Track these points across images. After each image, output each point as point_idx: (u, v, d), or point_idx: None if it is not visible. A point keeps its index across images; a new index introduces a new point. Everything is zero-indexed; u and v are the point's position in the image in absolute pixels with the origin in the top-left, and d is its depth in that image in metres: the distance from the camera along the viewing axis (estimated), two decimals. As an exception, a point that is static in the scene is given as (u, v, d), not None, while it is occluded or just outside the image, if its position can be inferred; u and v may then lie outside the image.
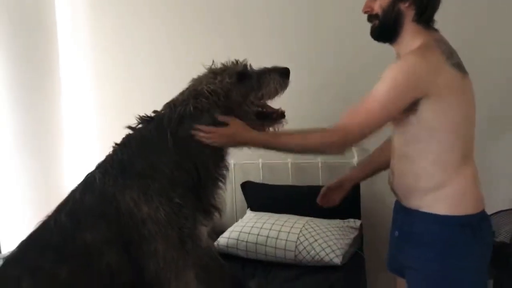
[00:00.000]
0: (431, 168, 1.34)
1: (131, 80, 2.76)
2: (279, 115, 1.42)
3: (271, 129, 1.41)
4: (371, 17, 1.42)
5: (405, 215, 1.44)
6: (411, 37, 1.37)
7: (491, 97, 2.11)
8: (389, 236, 1.61)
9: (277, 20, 2.52)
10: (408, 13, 1.36)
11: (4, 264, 1.34)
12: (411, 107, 1.30)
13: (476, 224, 1.34)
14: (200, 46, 2.59)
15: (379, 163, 1.63)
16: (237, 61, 1.41)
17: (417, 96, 1.28)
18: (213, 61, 1.43)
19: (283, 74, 1.38)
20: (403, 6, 1.36)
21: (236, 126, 1.34)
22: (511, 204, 2.08)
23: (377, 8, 1.39)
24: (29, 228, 1.39)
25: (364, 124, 1.31)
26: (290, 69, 1.40)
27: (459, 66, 1.31)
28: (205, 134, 1.32)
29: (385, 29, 1.39)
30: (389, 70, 1.30)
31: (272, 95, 1.39)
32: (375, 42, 1.44)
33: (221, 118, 1.32)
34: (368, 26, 1.44)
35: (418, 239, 1.38)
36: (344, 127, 1.33)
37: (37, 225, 1.36)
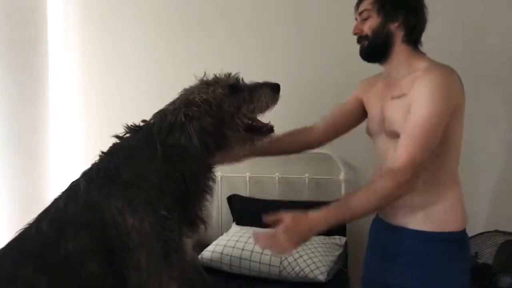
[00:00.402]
0: (425, 185, 1.35)
1: (118, 88, 2.75)
2: (269, 130, 1.41)
3: (260, 142, 1.41)
4: (360, 39, 1.45)
5: (390, 233, 1.44)
6: (404, 57, 1.40)
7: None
8: (366, 257, 1.62)
9: (268, 28, 2.55)
10: (398, 33, 1.40)
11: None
12: None
13: (461, 240, 1.37)
14: (188, 55, 2.60)
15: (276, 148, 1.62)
16: (229, 74, 1.41)
17: (453, 109, 1.30)
18: (205, 73, 1.43)
19: (274, 89, 1.38)
20: (392, 27, 1.39)
21: (296, 219, 1.24)
22: (494, 225, 2.11)
23: (366, 29, 1.42)
24: (7, 238, 1.35)
25: (426, 149, 1.26)
26: (280, 85, 1.40)
27: (461, 85, 1.36)
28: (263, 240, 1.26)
29: (375, 50, 1.43)
30: (423, 89, 1.28)
31: (263, 109, 1.38)
32: None
33: (269, 219, 1.27)
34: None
35: (406, 256, 1.38)
36: (410, 161, 1.25)
37: (17, 234, 1.33)
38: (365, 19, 1.42)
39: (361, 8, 1.44)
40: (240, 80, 1.42)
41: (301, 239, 1.24)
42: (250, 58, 2.54)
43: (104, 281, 1.24)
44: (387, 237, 1.45)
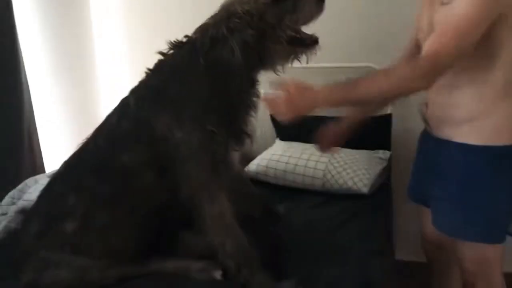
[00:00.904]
0: (471, 98, 1.30)
1: (162, 5, 2.70)
2: (313, 42, 1.35)
3: (304, 55, 1.36)
4: None
5: (435, 145, 1.43)
6: None
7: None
8: (413, 166, 1.64)
9: None
10: None
11: (50, 181, 1.44)
12: None
13: (509, 155, 1.31)
14: None
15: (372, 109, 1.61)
16: None
17: (497, 13, 1.18)
18: None
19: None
20: None
21: (300, 90, 1.21)
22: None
23: None
24: (69, 148, 1.46)
25: (454, 46, 1.17)
26: None
27: None
28: (267, 102, 1.24)
29: None
30: None
31: (307, 20, 1.32)
32: None
33: (274, 85, 1.23)
34: None
35: (449, 169, 1.38)
36: (433, 54, 1.17)
37: (78, 147, 1.43)
38: None
39: None
40: None
41: (302, 111, 1.24)
42: None
43: (158, 190, 1.34)
44: (433, 149, 1.45)
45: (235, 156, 1.40)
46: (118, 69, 2.83)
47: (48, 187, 1.43)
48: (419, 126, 2.39)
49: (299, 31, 1.35)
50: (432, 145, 1.46)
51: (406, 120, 2.42)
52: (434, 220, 1.46)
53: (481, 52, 1.25)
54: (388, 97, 1.30)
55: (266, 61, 1.34)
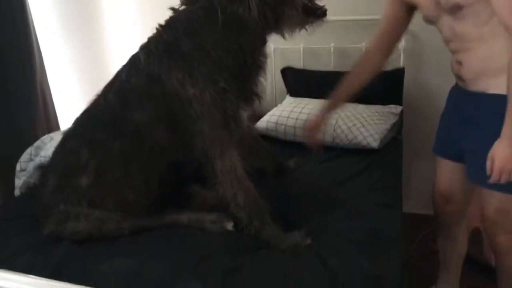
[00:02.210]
0: (504, 45, 1.26)
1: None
2: (322, 13, 1.37)
3: (311, 25, 1.37)
4: None
5: (470, 99, 1.42)
6: None
7: None
8: (442, 122, 1.64)
9: None
10: None
11: (64, 138, 1.47)
12: None
13: None
14: None
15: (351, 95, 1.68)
16: None
17: None
18: None
19: None
20: None
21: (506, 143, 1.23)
22: None
23: None
24: (82, 105, 1.48)
25: None
26: None
27: None
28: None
29: None
30: None
31: None
32: None
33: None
34: None
35: (484, 122, 1.38)
36: None
37: (89, 103, 1.45)
38: None
39: None
40: None
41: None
42: None
43: (171, 146, 1.37)
44: (469, 103, 1.44)
45: (245, 114, 1.42)
46: (128, 25, 2.80)
47: (61, 144, 1.46)
48: (431, 81, 2.37)
49: (312, 1, 1.36)
50: (467, 99, 1.44)
51: (418, 75, 2.39)
52: (468, 172, 1.48)
53: (487, 2, 1.24)
54: None
55: (279, 24, 1.34)
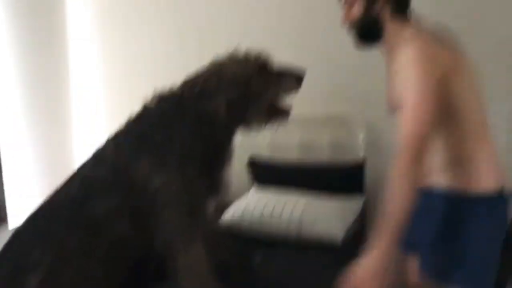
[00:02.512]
0: (448, 150, 1.35)
1: (139, 54, 2.75)
2: (285, 112, 1.47)
3: (275, 123, 1.46)
4: (350, 27, 1.43)
5: (422, 193, 1.45)
6: (396, 32, 1.38)
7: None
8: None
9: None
10: (385, 11, 1.37)
11: (15, 233, 1.38)
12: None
13: (491, 202, 1.34)
14: (208, 24, 2.56)
15: None
16: (260, 53, 1.44)
17: (438, 76, 1.27)
18: (236, 45, 1.46)
19: (300, 77, 1.43)
20: (377, 8, 1.37)
21: (369, 263, 1.25)
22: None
23: (353, 17, 1.40)
24: (38, 202, 1.42)
25: (419, 122, 1.25)
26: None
27: (449, 47, 1.33)
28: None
29: (367, 35, 1.42)
30: (404, 66, 1.28)
31: (285, 94, 1.45)
32: None
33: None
34: None
35: (431, 215, 1.40)
36: (407, 140, 1.25)
37: (48, 196, 1.39)
38: (350, 6, 1.40)
39: None
40: (270, 61, 1.46)
41: (379, 278, 1.23)
42: (271, 29, 2.48)
43: (133, 239, 1.31)
44: (419, 196, 1.47)
45: (211, 205, 1.41)
46: (94, 116, 2.82)
47: (14, 237, 1.36)
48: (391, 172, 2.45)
49: (277, 101, 1.46)
50: (420, 193, 1.48)
51: (378, 166, 2.47)
52: (421, 266, 1.47)
53: (444, 108, 1.31)
54: (412, 189, 1.27)
55: (245, 121, 1.42)
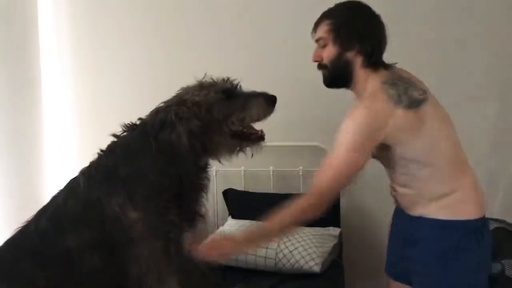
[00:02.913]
0: (432, 186, 1.40)
1: (111, 86, 2.73)
2: (258, 137, 1.42)
3: (249, 150, 1.43)
4: (320, 67, 1.46)
5: (409, 222, 1.48)
6: (362, 82, 1.42)
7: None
8: (389, 242, 1.66)
9: (264, 27, 2.52)
10: (356, 60, 1.40)
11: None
12: (385, 148, 1.36)
13: (477, 228, 1.39)
14: (180, 56, 2.59)
15: None
16: (228, 79, 1.42)
17: (375, 144, 1.34)
18: (205, 74, 1.45)
19: (269, 101, 1.39)
20: (350, 55, 1.40)
21: (223, 244, 1.41)
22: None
23: (325, 58, 1.42)
24: (5, 236, 1.36)
25: (334, 180, 1.35)
26: (277, 98, 1.41)
27: (411, 104, 1.34)
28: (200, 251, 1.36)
29: (336, 79, 1.45)
30: (344, 128, 1.34)
31: (254, 119, 1.40)
32: None
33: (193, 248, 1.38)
34: None
35: (423, 244, 1.42)
36: (316, 192, 1.36)
37: (16, 231, 1.34)
38: (323, 46, 1.42)
39: (317, 35, 1.43)
40: (238, 86, 1.43)
41: (225, 253, 1.44)
42: (245, 58, 2.52)
43: (104, 275, 1.27)
44: (406, 225, 1.50)
45: (187, 237, 1.38)
46: (65, 150, 2.76)
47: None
48: (367, 202, 2.50)
49: (245, 126, 1.41)
50: (406, 222, 1.50)
51: (353, 197, 2.50)
52: None
53: (392, 158, 1.39)
54: (297, 225, 1.47)
55: (211, 150, 1.38)
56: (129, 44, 2.69)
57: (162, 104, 1.39)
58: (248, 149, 1.42)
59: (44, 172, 2.60)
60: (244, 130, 1.40)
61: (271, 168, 2.53)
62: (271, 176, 2.53)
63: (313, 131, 2.51)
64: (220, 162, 1.45)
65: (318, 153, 2.48)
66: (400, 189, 1.47)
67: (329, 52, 1.41)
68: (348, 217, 2.46)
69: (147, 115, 1.39)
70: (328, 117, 2.51)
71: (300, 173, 2.48)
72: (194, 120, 1.32)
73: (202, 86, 1.39)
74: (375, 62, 1.41)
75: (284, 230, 1.46)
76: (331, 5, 1.46)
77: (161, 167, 1.30)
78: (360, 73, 1.41)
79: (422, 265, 1.43)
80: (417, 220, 1.45)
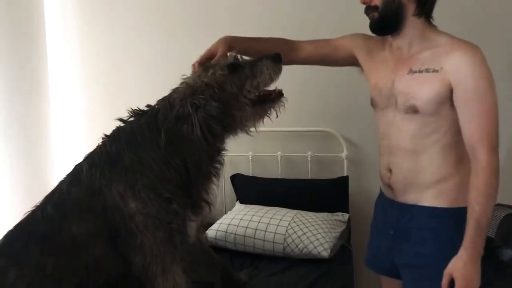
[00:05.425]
0: (437, 161, 1.35)
1: (119, 74, 2.72)
2: (277, 95, 1.38)
3: (273, 110, 1.38)
4: (369, 9, 1.39)
5: (401, 211, 1.43)
6: (420, 31, 1.36)
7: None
8: (374, 235, 1.60)
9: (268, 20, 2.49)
10: (409, 5, 1.35)
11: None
12: (448, 98, 1.30)
13: None
14: (190, 46, 2.55)
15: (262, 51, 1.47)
16: (228, 55, 1.39)
17: None
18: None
19: (275, 59, 1.35)
20: None
21: (462, 269, 1.25)
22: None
23: (376, 0, 1.36)
24: (15, 220, 1.37)
25: (496, 126, 1.28)
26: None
27: None
28: None
29: (386, 22, 1.38)
30: (469, 66, 1.26)
31: (268, 82, 1.36)
32: None
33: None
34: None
35: (418, 234, 1.38)
36: (489, 143, 1.26)
37: (24, 216, 1.35)
38: None
39: None
40: (240, 57, 1.40)
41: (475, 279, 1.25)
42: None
43: (109, 263, 1.27)
44: (397, 215, 1.44)
45: (193, 225, 1.36)
46: (73, 134, 2.77)
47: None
48: (375, 188, 2.47)
49: (261, 91, 1.37)
50: (397, 211, 1.44)
51: (362, 182, 2.48)
52: (405, 287, 1.44)
53: (441, 117, 1.33)
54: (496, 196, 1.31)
55: (235, 127, 1.36)
56: (137, 32, 2.66)
57: (174, 94, 1.34)
58: (272, 110, 1.38)
59: (52, 156, 2.62)
60: (261, 94, 1.37)
61: (279, 153, 2.51)
62: (279, 162, 2.51)
63: (322, 117, 2.49)
64: (248, 134, 1.39)
65: (327, 138, 2.47)
66: (404, 160, 1.40)
67: None
68: (357, 202, 2.44)
69: (156, 103, 1.36)
70: (336, 103, 2.50)
71: (309, 159, 2.46)
72: (212, 102, 1.28)
73: (206, 68, 1.36)
74: (427, 13, 1.36)
75: (493, 206, 1.29)
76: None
77: (166, 157, 1.28)
78: (413, 21, 1.36)
79: (417, 256, 1.38)
80: (411, 209, 1.40)
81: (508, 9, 2.27)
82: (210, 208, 1.40)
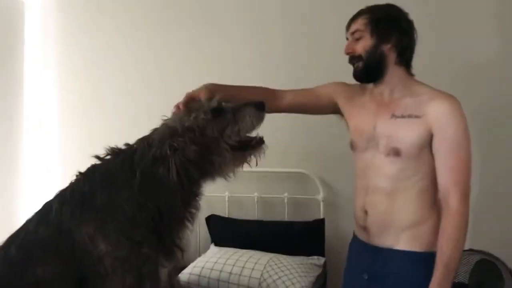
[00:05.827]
0: (413, 203, 1.38)
1: (96, 98, 2.70)
2: (258, 142, 1.38)
3: (253, 157, 1.38)
4: (353, 59, 1.46)
5: (376, 255, 1.43)
6: (401, 79, 1.44)
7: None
8: (348, 280, 1.59)
9: (262, 30, 2.54)
10: (391, 55, 1.42)
11: None
12: (429, 143, 1.36)
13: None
14: (172, 73, 2.58)
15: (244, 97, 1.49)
16: (211, 98, 1.39)
17: None
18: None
19: (258, 107, 1.37)
20: (385, 48, 1.41)
21: None
22: (468, 244, 2.14)
23: (360, 50, 1.43)
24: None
25: (469, 175, 1.34)
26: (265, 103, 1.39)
27: None
28: None
29: (370, 71, 1.44)
30: (448, 114, 1.33)
31: (249, 129, 1.36)
32: None
33: None
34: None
35: (394, 279, 1.38)
36: (461, 190, 1.32)
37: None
38: (358, 39, 1.43)
39: (353, 28, 1.44)
40: (223, 102, 1.39)
41: None
42: (238, 63, 2.53)
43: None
44: (373, 258, 1.44)
45: (164, 271, 1.31)
46: (45, 167, 2.70)
47: None
48: (351, 231, 2.45)
49: (242, 138, 1.37)
50: (372, 255, 1.44)
51: (338, 225, 2.47)
52: None
53: (421, 161, 1.38)
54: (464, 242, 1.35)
55: (213, 172, 1.34)
56: (116, 49, 2.67)
57: (153, 135, 1.33)
58: (252, 157, 1.38)
59: (21, 191, 2.53)
60: (242, 140, 1.36)
61: (255, 194, 2.49)
62: (256, 203, 2.49)
63: (299, 158, 2.50)
64: (226, 179, 1.38)
65: (303, 180, 2.47)
66: (381, 200, 1.42)
67: (365, 43, 1.41)
68: (333, 246, 2.42)
69: (135, 143, 1.33)
70: (313, 144, 2.53)
71: (285, 200, 2.45)
72: (191, 146, 1.27)
73: (189, 111, 1.35)
74: (406, 62, 1.44)
75: (461, 251, 1.34)
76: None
77: (139, 200, 1.24)
78: (394, 69, 1.43)
79: None
80: (386, 253, 1.41)
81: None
82: (182, 255, 1.35)
